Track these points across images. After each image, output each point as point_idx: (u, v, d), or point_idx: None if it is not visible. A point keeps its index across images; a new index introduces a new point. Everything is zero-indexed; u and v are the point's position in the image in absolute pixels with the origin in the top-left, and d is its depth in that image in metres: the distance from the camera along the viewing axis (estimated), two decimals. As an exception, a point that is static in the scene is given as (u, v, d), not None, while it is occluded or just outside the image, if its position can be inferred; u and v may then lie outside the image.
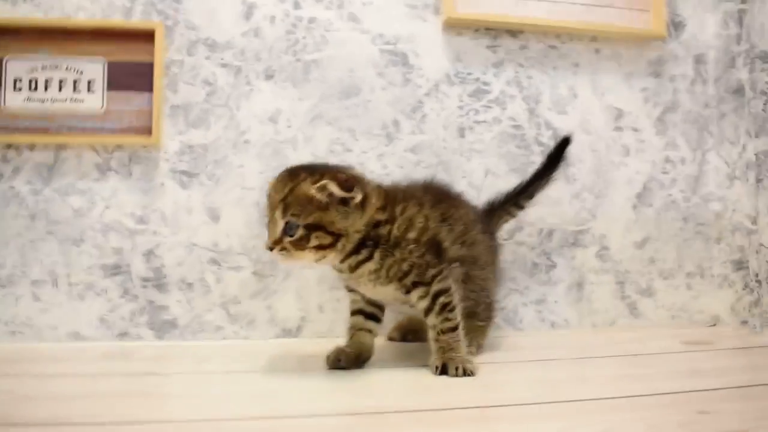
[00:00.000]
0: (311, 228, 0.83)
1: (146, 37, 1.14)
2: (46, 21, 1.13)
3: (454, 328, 0.88)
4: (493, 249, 1.08)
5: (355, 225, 0.85)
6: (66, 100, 1.15)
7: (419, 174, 1.19)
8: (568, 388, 0.82)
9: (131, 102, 1.15)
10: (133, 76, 1.15)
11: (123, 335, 1.14)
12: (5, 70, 1.14)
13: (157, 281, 1.15)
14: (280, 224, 0.84)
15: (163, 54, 1.15)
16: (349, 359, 0.90)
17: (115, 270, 1.15)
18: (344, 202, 0.84)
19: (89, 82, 1.15)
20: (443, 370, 0.85)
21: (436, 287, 0.88)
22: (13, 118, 1.14)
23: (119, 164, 1.15)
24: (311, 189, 0.83)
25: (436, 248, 0.90)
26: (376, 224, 0.86)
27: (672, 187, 1.32)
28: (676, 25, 1.33)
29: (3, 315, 1.13)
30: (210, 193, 1.16)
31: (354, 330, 0.94)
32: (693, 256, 1.31)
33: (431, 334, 0.88)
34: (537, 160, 1.25)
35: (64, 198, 1.14)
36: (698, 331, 1.22)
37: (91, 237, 1.14)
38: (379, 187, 0.91)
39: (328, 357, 0.90)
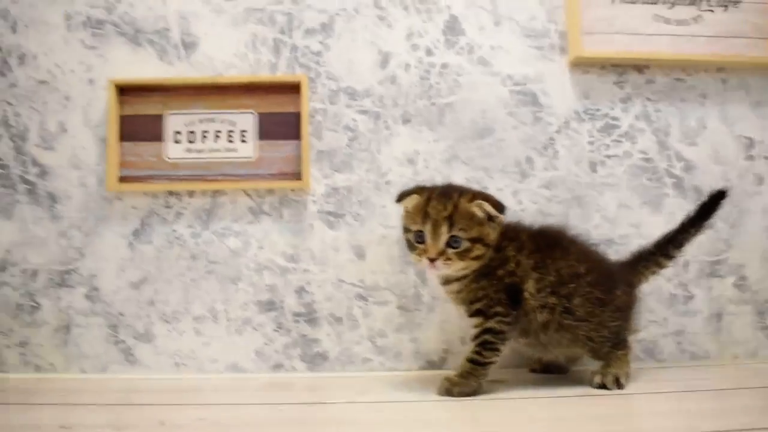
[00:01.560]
0: (474, 241, 1.02)
1: (292, 89, 1.32)
2: (200, 79, 1.33)
3: (480, 364, 1.05)
4: (627, 296, 1.17)
5: (494, 238, 1.04)
6: (221, 149, 1.33)
7: (554, 209, 1.32)
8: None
9: (280, 149, 1.33)
10: (281, 126, 1.33)
11: (278, 367, 1.30)
12: (167, 125, 1.34)
13: (309, 316, 1.31)
14: (444, 237, 1.02)
15: (307, 104, 1.32)
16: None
17: (270, 306, 1.32)
18: (491, 219, 1.04)
19: (242, 133, 1.34)
20: (447, 392, 1.04)
21: (490, 324, 1.04)
22: (175, 167, 1.33)
23: (271, 207, 1.33)
24: (473, 207, 1.03)
25: (514, 294, 1.06)
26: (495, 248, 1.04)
27: (809, 214, 1.40)
28: (804, 52, 1.42)
29: (168, 348, 1.31)
30: (355, 233, 1.32)
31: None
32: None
33: (463, 359, 1.06)
34: (669, 193, 1.36)
35: (222, 239, 1.33)
36: None
37: (247, 275, 1.32)
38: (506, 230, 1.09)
39: (439, 387, 1.05)
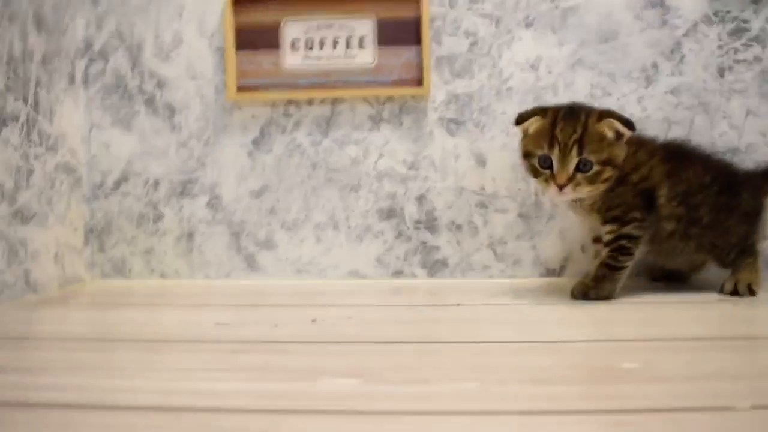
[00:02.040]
0: (604, 163, 0.99)
1: (411, -7, 1.31)
2: (318, -17, 1.32)
3: (616, 268, 1.06)
4: (755, 201, 1.16)
5: (623, 157, 1.02)
6: (340, 57, 1.34)
7: (679, 116, 1.31)
8: None
9: (400, 56, 1.33)
10: (400, 32, 1.33)
11: (398, 273, 1.35)
12: (284, 33, 1.35)
13: (429, 224, 1.35)
14: (574, 162, 0.99)
15: (428, 8, 1.32)
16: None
17: (390, 213, 1.35)
18: (619, 138, 1.01)
19: (360, 39, 1.34)
20: (584, 295, 1.07)
21: (627, 230, 1.04)
22: (293, 76, 1.35)
23: (390, 115, 1.35)
24: (604, 128, 1.00)
25: (648, 198, 1.06)
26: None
27: None
28: None
29: (290, 255, 1.36)
30: (476, 140, 1.34)
31: (596, 259, 1.06)
32: None
33: (596, 262, 1.07)
34: (800, 98, 1.33)
35: (342, 148, 1.35)
36: None
37: (367, 183, 1.35)
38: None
39: (573, 290, 1.07)
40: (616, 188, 1.03)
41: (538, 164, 1.02)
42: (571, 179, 0.99)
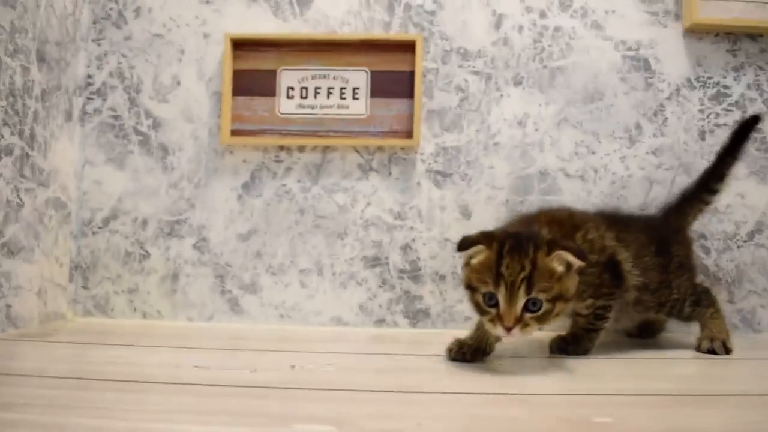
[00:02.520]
0: (555, 300, 0.88)
1: (405, 48, 1.36)
2: (315, 36, 1.37)
3: (592, 330, 1.07)
4: (686, 248, 1.20)
5: (575, 288, 0.93)
6: (333, 106, 1.38)
7: (660, 175, 1.35)
8: None
9: (392, 108, 1.37)
10: (393, 84, 1.37)
11: (380, 322, 1.36)
12: (280, 80, 1.39)
13: (413, 273, 1.37)
14: (522, 302, 0.87)
15: (421, 63, 1.36)
16: (471, 351, 1.00)
17: (375, 262, 1.37)
18: (569, 269, 0.91)
19: (354, 90, 1.38)
20: (562, 351, 1.05)
21: (600, 303, 1.03)
22: (286, 122, 1.39)
23: (380, 165, 1.38)
24: (553, 262, 0.89)
25: (613, 268, 1.04)
26: None
27: None
28: None
29: (274, 300, 1.38)
30: (462, 192, 1.37)
31: (480, 325, 0.99)
32: None
33: (572, 326, 1.07)
34: (778, 163, 1.37)
35: (330, 195, 1.38)
36: None
37: (354, 231, 1.38)
38: (560, 225, 1.01)
39: (450, 350, 1.01)
40: (582, 275, 0.96)
41: (482, 301, 0.90)
42: (519, 320, 0.88)
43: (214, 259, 1.34)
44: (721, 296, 1.28)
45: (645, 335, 1.25)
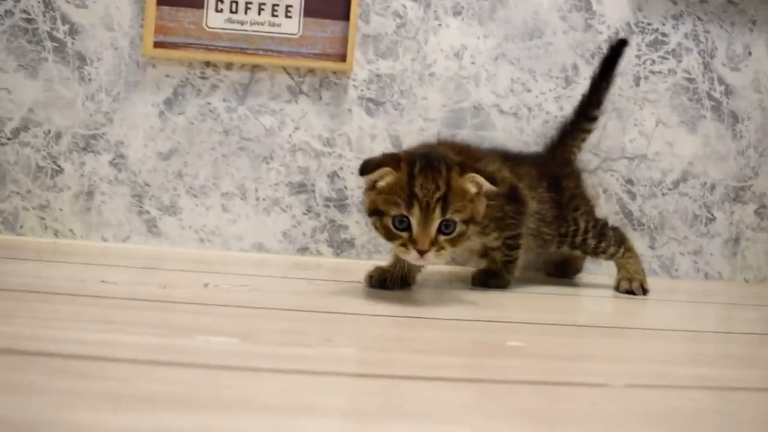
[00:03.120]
0: (468, 222, 0.87)
1: (343, -34, 1.31)
2: (248, -55, 1.30)
3: (508, 261, 1.08)
4: (576, 179, 1.23)
5: (484, 211, 0.92)
6: (264, 23, 1.33)
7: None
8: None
9: (326, 29, 1.33)
10: (328, 4, 1.32)
11: (304, 250, 1.34)
12: (209, -9, 1.32)
13: (339, 202, 1.34)
14: (436, 223, 0.85)
15: (358, -16, 1.31)
16: (394, 279, 0.97)
17: (301, 188, 1.34)
18: (479, 192, 0.90)
19: (287, 8, 1.33)
20: (483, 284, 1.07)
21: (508, 233, 1.05)
22: (214, 37, 1.32)
23: (310, 88, 1.34)
24: (467, 183, 0.88)
25: (514, 194, 1.04)
26: None
27: (836, 151, 1.45)
28: None
29: (194, 223, 1.34)
30: (394, 122, 1.34)
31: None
32: None
33: (490, 261, 1.08)
34: (707, 115, 1.40)
35: (257, 117, 1.34)
36: None
37: (280, 156, 1.34)
38: (462, 154, 0.97)
39: (370, 277, 0.98)
40: (486, 208, 0.94)
41: (392, 225, 0.86)
42: (433, 243, 0.85)
43: (132, 177, 1.29)
44: (643, 242, 1.30)
45: (562, 274, 1.26)
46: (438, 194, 0.84)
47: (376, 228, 0.89)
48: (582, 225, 1.11)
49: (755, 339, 0.86)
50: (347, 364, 0.59)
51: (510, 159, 1.12)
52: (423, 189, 0.84)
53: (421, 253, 0.84)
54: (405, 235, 0.85)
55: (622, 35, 1.33)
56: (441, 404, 0.50)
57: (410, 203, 0.84)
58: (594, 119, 1.25)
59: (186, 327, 0.69)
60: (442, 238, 0.85)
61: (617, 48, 1.24)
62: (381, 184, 0.87)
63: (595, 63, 1.31)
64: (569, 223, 1.12)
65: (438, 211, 0.84)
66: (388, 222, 0.86)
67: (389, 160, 0.87)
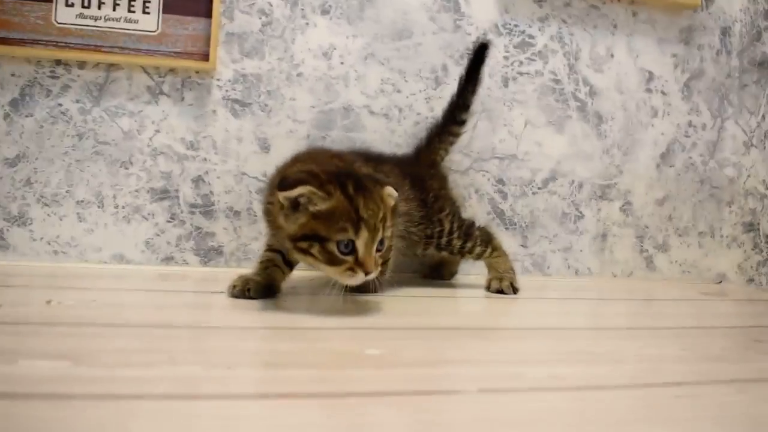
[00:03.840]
0: (391, 235, 0.89)
1: (204, -39, 1.26)
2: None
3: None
4: (441, 181, 1.25)
5: None
6: (120, 19, 1.26)
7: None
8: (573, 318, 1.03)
9: (186, 26, 1.27)
10: (189, 0, 1.27)
11: (168, 260, 1.28)
12: (57, -16, 1.24)
13: (205, 208, 1.29)
14: (377, 243, 0.85)
15: (220, -20, 1.27)
16: (259, 288, 0.94)
17: (164, 195, 1.28)
18: None
19: (144, 3, 1.27)
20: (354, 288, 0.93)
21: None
22: (64, 33, 1.24)
23: (171, 88, 1.28)
24: (387, 198, 0.89)
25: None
26: None
27: (692, 150, 1.54)
28: (706, -5, 1.54)
29: (46, 234, 1.25)
30: (261, 124, 1.31)
31: (268, 263, 0.98)
32: (707, 217, 1.54)
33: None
34: (573, 115, 1.44)
35: (114, 119, 1.26)
36: (707, 287, 1.45)
37: (140, 160, 1.27)
38: (343, 162, 0.99)
39: (233, 286, 0.94)
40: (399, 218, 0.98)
41: (337, 251, 0.83)
42: (376, 263, 0.84)
43: (-26, 185, 1.18)
44: (515, 240, 1.32)
45: (437, 276, 1.26)
46: (381, 214, 0.84)
47: (306, 253, 0.84)
48: (447, 226, 1.11)
49: (621, 334, 0.88)
50: (185, 384, 0.55)
51: (372, 160, 1.10)
52: (368, 211, 0.83)
53: (368, 274, 0.83)
54: (350, 259, 0.83)
55: (490, 36, 1.34)
56: (281, 424, 0.47)
57: (358, 227, 0.82)
58: (462, 123, 1.26)
59: (10, 351, 0.62)
60: (377, 255, 0.84)
61: (480, 51, 1.25)
62: (316, 208, 0.83)
63: (464, 64, 1.31)
64: (434, 224, 1.11)
65: (380, 231, 0.84)
66: (333, 248, 0.83)
67: (310, 178, 0.83)
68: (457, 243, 1.12)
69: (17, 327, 0.72)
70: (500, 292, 1.11)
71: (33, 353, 0.63)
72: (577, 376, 0.64)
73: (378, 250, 0.85)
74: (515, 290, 1.11)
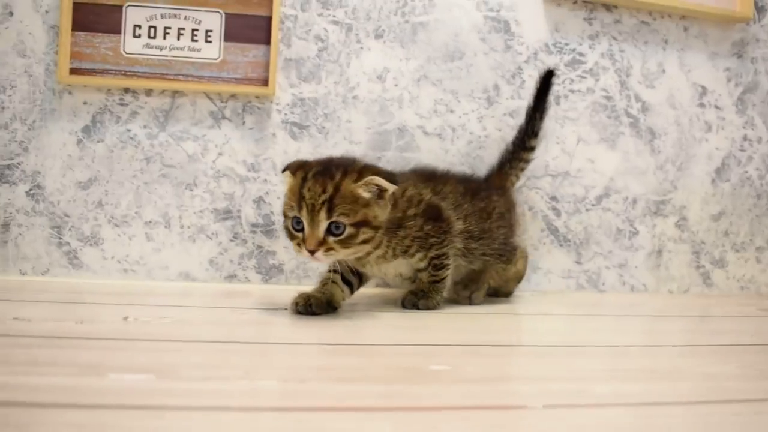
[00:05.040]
0: (359, 225, 0.93)
1: (263, -9, 1.32)
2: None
3: (436, 281, 1.09)
4: (508, 203, 1.26)
5: (385, 216, 0.98)
6: (184, 48, 1.33)
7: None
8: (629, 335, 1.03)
9: (247, 53, 1.34)
10: (249, 29, 1.33)
11: (231, 278, 1.34)
12: (126, 17, 1.32)
13: (266, 227, 1.35)
14: (324, 225, 0.92)
15: (279, 8, 1.33)
16: (320, 304, 0.99)
17: (226, 215, 1.34)
18: (380, 196, 0.96)
19: (207, 33, 1.33)
20: (413, 305, 1.07)
21: (432, 253, 1.06)
22: (132, 63, 1.32)
23: (233, 113, 1.34)
24: (359, 188, 0.94)
25: (435, 214, 1.06)
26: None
27: (748, 164, 1.54)
28: (759, 9, 1.54)
29: (117, 253, 1.32)
30: (319, 146, 1.36)
31: (327, 281, 1.02)
32: (764, 231, 1.53)
33: (419, 282, 1.09)
34: (625, 132, 1.46)
35: (179, 143, 1.33)
36: (766, 303, 1.44)
37: (204, 182, 1.34)
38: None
39: (296, 303, 0.98)
40: (399, 232, 1.02)
41: (291, 226, 0.95)
42: (321, 243, 0.92)
43: (50, 208, 1.26)
44: (569, 257, 1.34)
45: (494, 293, 1.28)
46: (324, 197, 0.92)
47: (284, 229, 0.98)
48: (500, 244, 1.15)
49: (679, 351, 0.89)
50: (263, 397, 0.60)
51: (432, 179, 1.14)
52: (310, 191, 0.92)
53: (311, 252, 0.92)
54: (300, 235, 0.94)
55: (541, 56, 1.37)
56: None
57: (300, 205, 0.92)
58: (531, 149, 1.30)
59: (99, 365, 0.68)
60: (331, 239, 0.92)
61: (546, 79, 1.28)
62: (286, 187, 0.97)
63: (516, 83, 1.35)
64: (493, 240, 1.16)
65: (323, 213, 0.91)
66: (289, 223, 0.96)
67: (291, 165, 0.99)
68: (504, 259, 1.18)
69: (100, 342, 0.78)
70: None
71: (119, 367, 0.68)
72: (638, 392, 0.66)
73: (334, 234, 0.92)
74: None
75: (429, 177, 1.15)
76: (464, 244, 1.12)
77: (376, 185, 0.94)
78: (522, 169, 1.30)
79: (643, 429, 0.55)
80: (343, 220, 0.91)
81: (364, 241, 0.94)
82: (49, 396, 0.56)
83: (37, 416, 0.51)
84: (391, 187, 0.95)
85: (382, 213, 0.96)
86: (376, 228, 0.95)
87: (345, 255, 0.94)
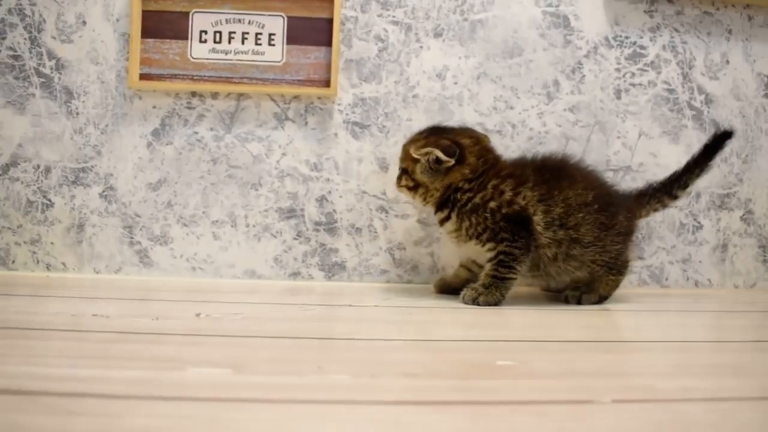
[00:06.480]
0: (403, 171, 1.17)
1: (324, -7, 1.33)
2: (230, -23, 1.33)
3: (499, 278, 1.11)
4: (630, 228, 1.23)
5: (434, 183, 1.14)
6: (248, 52, 1.35)
7: (577, 132, 1.38)
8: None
9: (309, 55, 1.35)
10: (310, 31, 1.35)
11: (295, 275, 1.36)
12: (192, 23, 1.35)
13: (329, 225, 1.36)
14: (400, 172, 1.19)
15: (340, 9, 1.34)
16: (451, 285, 1.20)
17: (290, 213, 1.36)
18: (438, 162, 1.12)
19: (270, 36, 1.35)
20: (473, 300, 1.11)
21: (501, 248, 1.09)
22: (199, 68, 1.35)
23: (296, 114, 1.36)
24: (411, 147, 1.14)
25: (522, 222, 1.09)
26: (456, 189, 1.13)
27: (818, 155, 1.48)
28: (829, -6, 1.48)
29: (185, 252, 1.35)
30: (380, 144, 1.37)
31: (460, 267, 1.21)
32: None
33: (482, 275, 1.12)
34: (688, 124, 1.42)
35: (244, 144, 1.36)
36: None
37: (268, 182, 1.36)
38: (485, 159, 1.14)
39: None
40: (472, 216, 1.12)
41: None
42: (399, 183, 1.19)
43: (122, 209, 1.30)
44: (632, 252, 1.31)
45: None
46: (402, 156, 1.20)
47: None
48: (611, 258, 1.17)
49: (746, 346, 0.88)
50: (338, 391, 0.61)
51: (554, 179, 1.13)
52: (400, 154, 1.21)
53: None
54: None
55: (601, 50, 1.35)
56: (434, 429, 0.51)
57: None
58: (675, 198, 1.26)
59: (178, 359, 0.70)
60: (402, 179, 1.19)
61: (719, 139, 1.24)
62: None
63: (576, 78, 1.33)
64: (605, 251, 1.15)
65: (399, 166, 1.20)
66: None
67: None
68: (602, 272, 1.18)
69: (176, 337, 0.80)
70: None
71: (197, 361, 0.70)
72: (706, 388, 0.65)
73: (400, 177, 1.18)
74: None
75: (553, 175, 1.14)
76: (566, 250, 1.12)
77: (426, 151, 1.11)
78: (656, 210, 1.27)
79: (712, 424, 0.55)
80: (401, 165, 1.17)
81: (405, 186, 1.17)
82: (136, 389, 0.58)
83: (130, 407, 0.53)
84: (444, 159, 1.12)
85: (422, 175, 1.15)
86: (414, 181, 1.16)
87: (405, 194, 1.20)
